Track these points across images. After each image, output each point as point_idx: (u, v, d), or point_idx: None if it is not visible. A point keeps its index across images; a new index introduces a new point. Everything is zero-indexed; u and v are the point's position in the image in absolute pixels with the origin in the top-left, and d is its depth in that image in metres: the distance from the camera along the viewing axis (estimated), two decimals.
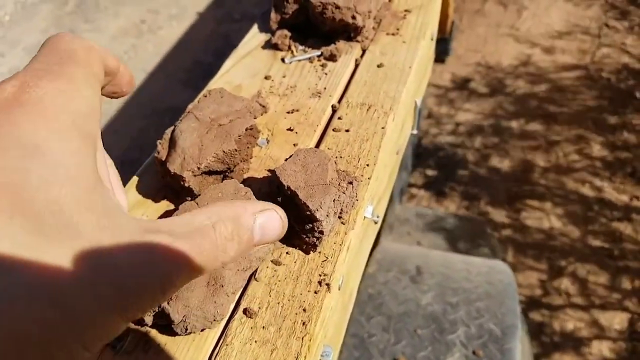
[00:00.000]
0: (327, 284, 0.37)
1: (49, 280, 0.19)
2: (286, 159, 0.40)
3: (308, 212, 0.37)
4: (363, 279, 1.08)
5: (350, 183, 0.41)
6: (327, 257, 0.39)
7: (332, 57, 0.56)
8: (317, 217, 0.37)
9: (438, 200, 2.12)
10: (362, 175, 0.45)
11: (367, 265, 1.12)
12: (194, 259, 0.24)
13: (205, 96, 0.46)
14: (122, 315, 0.21)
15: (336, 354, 0.46)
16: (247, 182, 0.44)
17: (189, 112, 0.44)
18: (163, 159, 0.42)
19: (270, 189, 0.43)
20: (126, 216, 0.23)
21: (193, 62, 2.27)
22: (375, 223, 0.53)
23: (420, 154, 2.32)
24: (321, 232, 0.38)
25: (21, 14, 2.76)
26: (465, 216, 1.91)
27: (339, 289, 0.40)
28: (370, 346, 0.97)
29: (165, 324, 0.34)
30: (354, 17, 0.54)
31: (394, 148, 0.55)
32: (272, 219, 0.29)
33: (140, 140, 2.05)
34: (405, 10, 0.62)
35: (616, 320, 1.61)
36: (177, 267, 0.23)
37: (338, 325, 0.44)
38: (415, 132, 0.65)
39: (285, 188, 0.38)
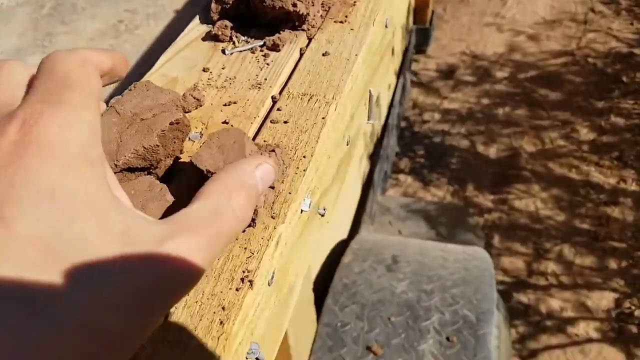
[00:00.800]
0: (250, 281, 0.35)
1: (85, 316, 0.21)
2: (200, 146, 0.38)
3: None
4: (338, 270, 1.07)
5: (273, 151, 0.40)
6: (252, 253, 0.37)
7: (274, 47, 0.54)
8: None
9: (425, 187, 2.11)
10: (297, 168, 0.43)
11: (343, 256, 1.11)
12: (219, 244, 0.26)
13: (130, 90, 0.44)
14: (153, 323, 0.24)
15: (272, 349, 0.44)
16: (175, 178, 0.42)
17: (110, 106, 0.42)
18: None
19: (198, 182, 0.41)
20: (144, 225, 0.25)
21: None
22: (322, 216, 0.51)
23: (407, 143, 2.30)
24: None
25: None
26: (448, 203, 1.90)
27: (269, 285, 0.39)
28: (344, 335, 0.96)
29: None
30: (294, 5, 0.52)
31: (341, 138, 0.53)
32: (267, 170, 0.32)
33: None
34: None
35: (603, 302, 1.60)
36: (197, 271, 0.25)
37: (273, 321, 0.42)
38: (371, 122, 0.63)
39: (205, 172, 0.36)
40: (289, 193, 0.41)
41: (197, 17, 0.59)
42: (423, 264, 1.04)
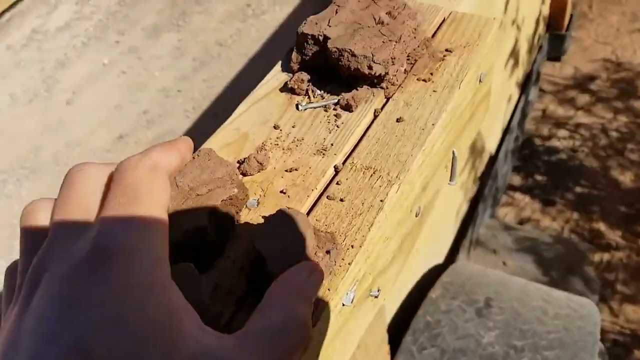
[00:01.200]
0: None
1: None
2: (264, 218, 0.40)
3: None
4: (423, 304, 1.02)
5: (328, 252, 0.39)
6: None
7: (348, 107, 0.51)
8: None
9: (544, 209, 1.95)
10: (342, 259, 0.40)
11: (431, 289, 1.05)
12: None
13: (193, 159, 0.44)
14: None
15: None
16: (226, 249, 0.42)
17: (174, 177, 0.43)
18: None
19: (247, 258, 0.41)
20: (218, 343, 0.27)
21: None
22: (376, 297, 0.48)
23: (528, 156, 2.14)
24: None
25: None
26: (567, 239, 1.72)
27: None
28: None
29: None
30: (370, 67, 0.49)
31: (407, 214, 0.49)
32: (319, 279, 0.35)
33: None
34: (447, 50, 0.55)
35: None
36: None
37: None
38: (453, 183, 0.58)
39: (263, 255, 0.37)
40: (328, 290, 0.39)
41: (279, 64, 0.57)
42: (518, 314, 0.96)
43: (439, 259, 1.15)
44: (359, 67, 0.49)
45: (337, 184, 0.46)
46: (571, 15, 1.84)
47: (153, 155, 0.30)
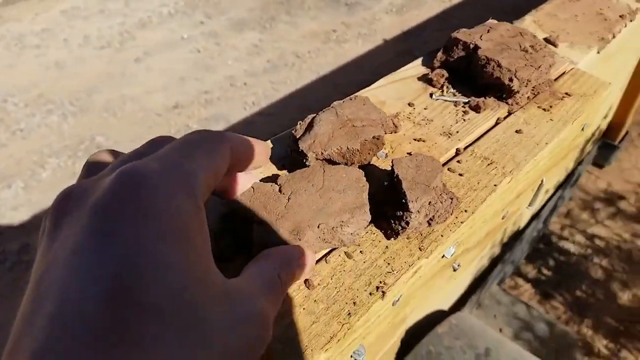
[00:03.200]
0: (383, 292, 0.40)
1: None
2: (407, 153, 0.45)
3: (404, 200, 0.42)
4: (429, 335, 1.07)
5: (451, 199, 0.45)
6: (393, 270, 0.42)
7: (476, 108, 0.58)
8: (410, 208, 0.42)
9: (541, 301, 2.00)
10: (456, 217, 0.47)
11: (438, 325, 1.11)
12: (274, 311, 0.29)
13: (351, 99, 0.51)
14: None
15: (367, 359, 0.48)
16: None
17: (332, 107, 0.50)
18: (297, 137, 0.48)
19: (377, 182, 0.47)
20: (236, 285, 0.27)
21: (360, 80, 2.39)
22: (455, 270, 0.55)
23: (540, 250, 2.20)
24: (407, 223, 0.42)
25: None
26: (563, 328, 1.78)
27: (393, 305, 0.43)
28: None
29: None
30: (511, 80, 0.56)
31: (501, 210, 0.56)
32: (305, 260, 0.35)
33: (286, 128, 2.20)
34: (566, 93, 0.63)
35: None
36: (270, 334, 0.27)
37: (380, 338, 0.46)
38: (530, 208, 0.65)
39: (394, 175, 0.43)
40: (441, 235, 0.45)
41: (421, 59, 0.66)
42: None
43: (451, 301, 1.21)
44: (501, 77, 0.57)
45: (458, 162, 0.53)
46: (627, 132, 1.93)
47: (231, 138, 0.31)
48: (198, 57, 2.62)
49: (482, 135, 0.57)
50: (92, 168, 0.29)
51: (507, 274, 1.95)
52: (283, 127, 2.29)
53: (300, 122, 0.50)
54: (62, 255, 0.21)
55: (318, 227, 0.40)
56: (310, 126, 0.48)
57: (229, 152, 0.30)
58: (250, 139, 0.34)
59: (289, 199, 0.41)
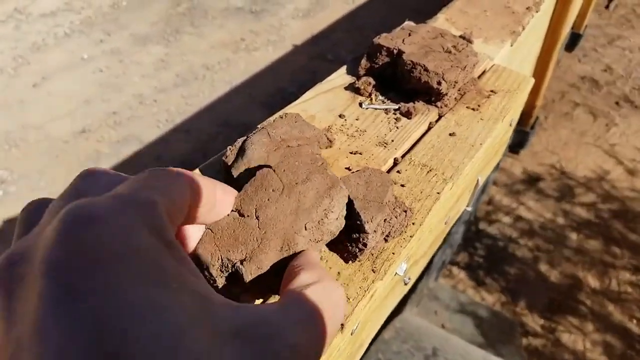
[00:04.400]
0: (342, 324, 0.37)
1: None
2: (352, 172, 0.43)
3: (358, 222, 0.39)
4: (376, 343, 1.05)
5: (405, 212, 0.43)
6: (349, 298, 0.39)
7: (407, 114, 0.57)
8: (366, 229, 0.39)
9: (476, 287, 2.06)
10: (404, 232, 0.45)
11: (384, 330, 1.09)
12: None
13: (282, 117, 0.48)
14: None
15: None
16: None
17: (262, 127, 0.46)
18: (229, 163, 0.44)
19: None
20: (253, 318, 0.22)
21: (276, 88, 2.36)
22: (405, 284, 0.52)
23: (470, 238, 2.27)
24: (364, 245, 0.40)
25: (137, 3, 2.98)
26: (500, 312, 1.84)
27: (352, 334, 0.40)
28: None
29: (234, 283, 0.35)
30: (439, 83, 0.55)
31: (444, 217, 0.55)
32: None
33: (207, 146, 2.13)
34: (491, 91, 0.63)
35: None
36: None
37: None
38: (469, 209, 0.64)
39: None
40: (393, 253, 0.43)
41: (345, 67, 0.63)
42: None
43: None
44: (429, 81, 0.55)
45: (398, 172, 0.51)
46: (537, 117, 2.04)
47: (187, 172, 0.27)
48: (102, 77, 2.48)
49: (417, 142, 0.55)
50: (27, 222, 0.23)
51: (446, 261, 1.99)
52: (201, 143, 2.21)
53: (230, 147, 0.46)
54: (26, 343, 0.17)
55: (305, 228, 0.36)
56: (242, 150, 0.44)
57: (189, 185, 0.26)
58: (207, 178, 0.29)
59: (257, 217, 0.36)
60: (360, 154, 0.52)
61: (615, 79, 3.07)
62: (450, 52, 0.59)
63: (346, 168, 0.50)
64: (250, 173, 0.42)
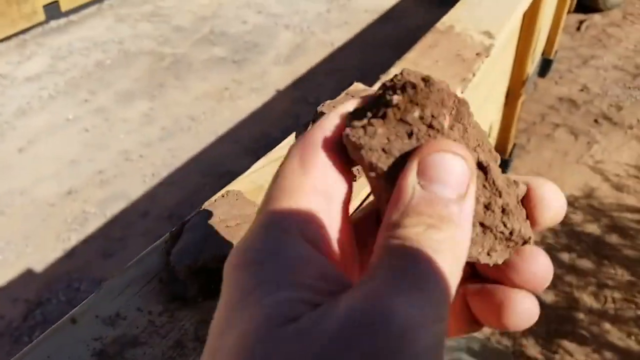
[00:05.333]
0: None
1: None
2: None
3: None
4: None
5: None
6: None
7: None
8: None
9: None
10: None
11: None
12: None
13: (223, 196, 0.50)
14: None
15: None
16: None
17: (203, 208, 0.48)
18: (169, 250, 0.46)
19: None
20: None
21: (261, 134, 2.40)
22: None
23: None
24: None
25: (121, 61, 3.05)
26: (491, 345, 1.83)
27: None
28: None
29: None
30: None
31: None
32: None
33: (193, 197, 2.15)
34: None
35: None
36: None
37: None
38: None
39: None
40: None
41: (294, 133, 0.66)
42: None
43: None
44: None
45: None
46: (514, 144, 2.08)
47: None
48: (87, 137, 2.52)
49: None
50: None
51: None
52: (187, 195, 2.23)
53: (172, 230, 0.48)
54: None
55: None
56: (180, 234, 0.46)
57: None
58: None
59: None
60: None
61: (593, 98, 3.13)
62: None
63: None
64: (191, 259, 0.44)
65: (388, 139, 0.22)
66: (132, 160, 2.39)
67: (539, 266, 0.25)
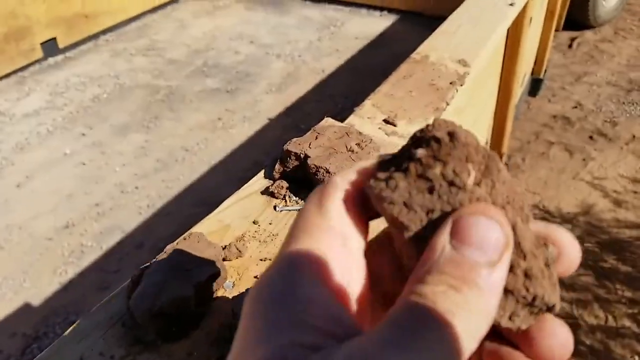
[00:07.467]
0: None
1: None
2: (255, 277, 0.44)
3: None
4: None
5: None
6: None
7: None
8: None
9: None
10: None
11: None
12: None
13: (185, 239, 0.51)
14: None
15: None
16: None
17: (164, 252, 0.49)
18: (130, 294, 0.47)
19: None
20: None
21: (252, 163, 2.41)
22: None
23: None
24: None
25: (117, 95, 3.09)
26: None
27: None
28: None
29: None
30: None
31: None
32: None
33: (187, 227, 2.15)
34: None
35: None
36: None
37: None
38: None
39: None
40: None
41: (263, 172, 0.67)
42: None
43: None
44: (324, 180, 0.59)
45: None
46: (506, 164, 2.09)
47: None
48: (84, 170, 2.54)
49: None
50: None
51: None
52: (181, 225, 2.24)
53: (134, 275, 0.49)
54: None
55: None
56: (141, 279, 0.47)
57: None
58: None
59: None
60: (270, 259, 0.55)
61: (587, 114, 3.15)
62: (353, 150, 0.63)
63: (255, 277, 0.53)
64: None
65: (409, 193, 0.22)
66: (128, 193, 2.40)
67: (557, 340, 0.24)
